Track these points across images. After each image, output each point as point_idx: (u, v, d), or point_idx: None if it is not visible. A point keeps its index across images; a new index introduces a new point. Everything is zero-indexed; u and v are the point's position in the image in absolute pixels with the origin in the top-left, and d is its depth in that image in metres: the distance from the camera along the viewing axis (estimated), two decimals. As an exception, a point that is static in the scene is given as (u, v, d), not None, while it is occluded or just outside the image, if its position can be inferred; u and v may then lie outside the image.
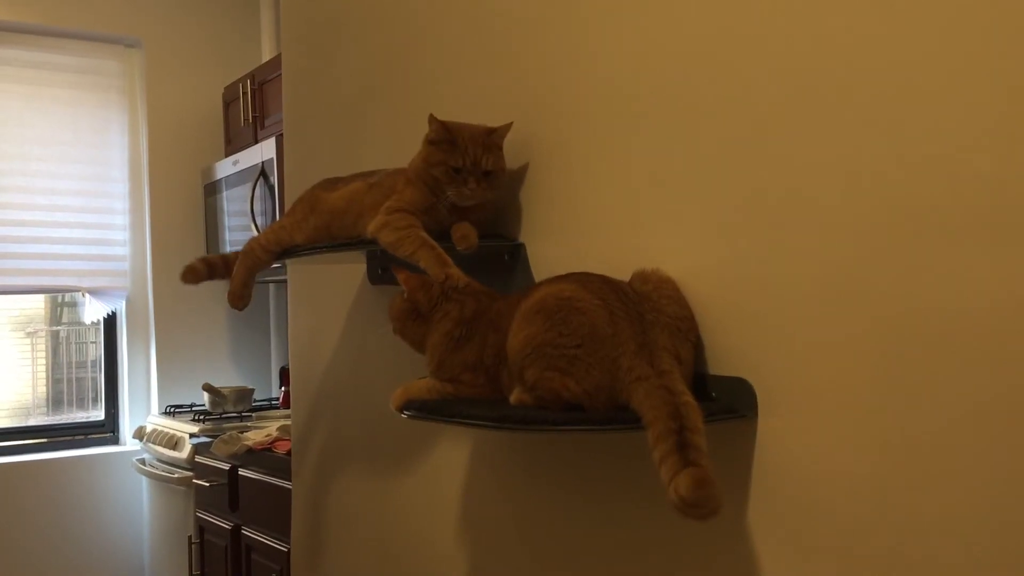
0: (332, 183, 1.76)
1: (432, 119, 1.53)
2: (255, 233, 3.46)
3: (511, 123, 1.54)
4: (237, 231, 3.87)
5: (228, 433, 3.17)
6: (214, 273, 1.86)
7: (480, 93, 1.68)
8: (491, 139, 1.52)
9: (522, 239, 1.59)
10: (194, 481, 3.38)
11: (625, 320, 1.21)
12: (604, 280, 1.27)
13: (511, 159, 1.58)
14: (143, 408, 4.22)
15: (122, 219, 4.20)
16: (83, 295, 4.14)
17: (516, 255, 1.59)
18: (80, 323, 4.24)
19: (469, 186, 1.51)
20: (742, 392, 1.22)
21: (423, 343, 1.42)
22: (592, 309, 1.21)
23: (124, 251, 4.20)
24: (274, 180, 3.49)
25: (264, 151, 3.58)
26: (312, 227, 1.72)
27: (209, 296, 4.21)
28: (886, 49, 1.07)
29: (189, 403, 4.03)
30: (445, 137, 1.52)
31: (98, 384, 4.28)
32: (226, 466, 3.17)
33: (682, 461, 1.06)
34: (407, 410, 1.38)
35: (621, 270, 1.32)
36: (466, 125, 1.54)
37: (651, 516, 1.34)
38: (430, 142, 1.54)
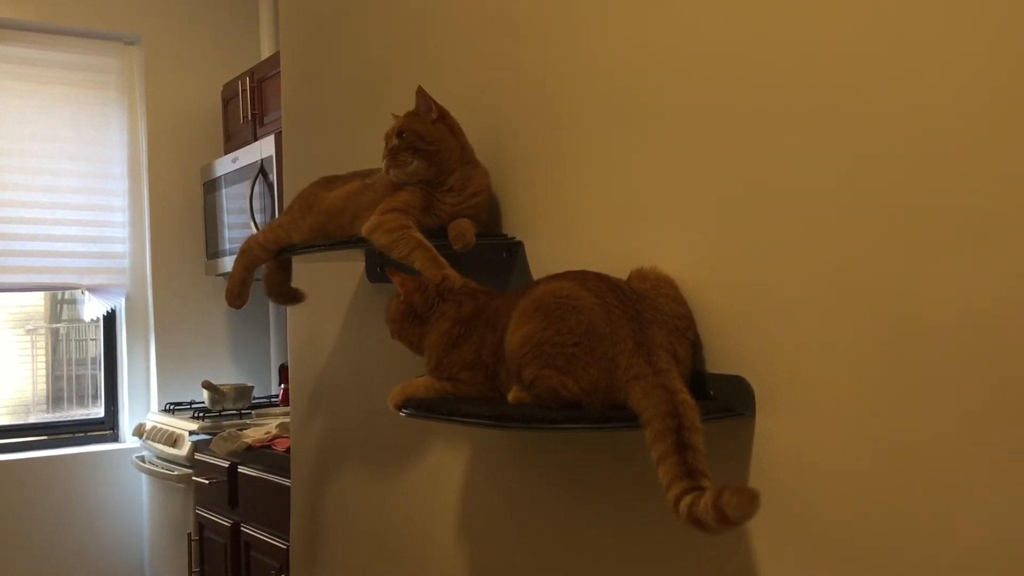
0: (330, 181, 1.76)
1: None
2: (254, 231, 3.46)
3: (418, 86, 1.56)
4: (236, 228, 3.86)
5: (227, 431, 3.17)
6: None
7: (478, 91, 1.68)
8: (405, 114, 1.57)
9: (520, 237, 1.59)
10: (194, 478, 3.38)
11: (623, 318, 1.21)
12: (602, 278, 1.27)
13: (512, 158, 1.58)
14: (143, 405, 4.22)
15: (121, 216, 4.20)
16: (83, 292, 4.14)
17: (514, 253, 1.59)
18: (80, 320, 4.25)
19: (383, 164, 1.57)
20: (740, 390, 1.22)
21: (421, 344, 1.42)
22: (590, 307, 1.21)
23: (123, 248, 4.20)
24: (273, 177, 3.49)
25: (263, 148, 3.57)
26: (309, 226, 1.71)
27: (208, 293, 4.23)
28: (881, 48, 1.07)
29: (189, 400, 4.03)
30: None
31: (98, 381, 4.29)
32: (225, 463, 3.17)
33: (681, 465, 1.05)
34: (405, 408, 1.38)
35: (619, 268, 1.32)
36: None
37: (648, 513, 1.34)
38: None
